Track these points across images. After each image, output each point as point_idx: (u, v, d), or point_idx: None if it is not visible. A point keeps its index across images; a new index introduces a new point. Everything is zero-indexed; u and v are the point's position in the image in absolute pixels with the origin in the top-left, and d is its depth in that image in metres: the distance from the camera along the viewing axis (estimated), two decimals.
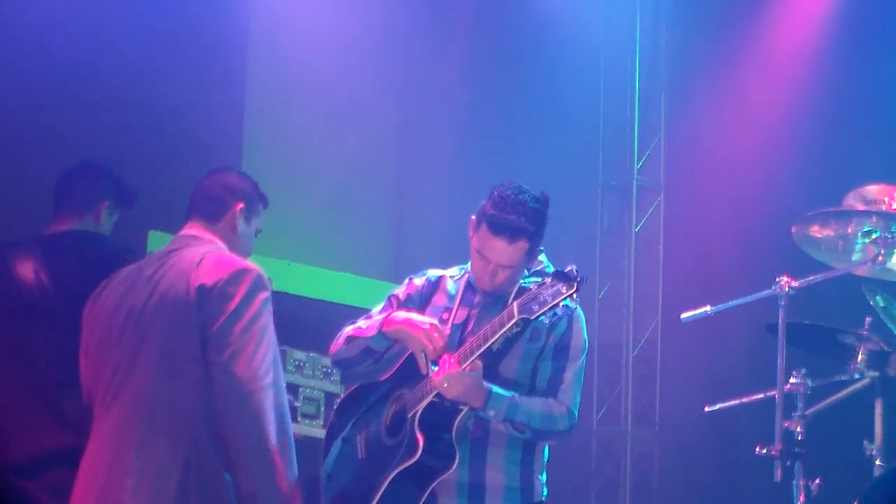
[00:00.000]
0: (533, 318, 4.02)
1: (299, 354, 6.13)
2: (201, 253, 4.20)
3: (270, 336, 4.17)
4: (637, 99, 9.15)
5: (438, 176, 8.82)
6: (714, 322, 5.64)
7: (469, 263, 4.44)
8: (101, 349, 4.23)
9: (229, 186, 4.49)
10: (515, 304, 4.06)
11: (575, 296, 4.00)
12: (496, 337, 4.08)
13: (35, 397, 4.79)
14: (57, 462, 4.70)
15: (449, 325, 4.31)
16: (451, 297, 4.39)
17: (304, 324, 7.16)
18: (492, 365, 4.19)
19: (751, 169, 8.44)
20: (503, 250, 4.24)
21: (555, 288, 4.00)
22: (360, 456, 4.29)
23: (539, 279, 4.22)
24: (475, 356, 4.09)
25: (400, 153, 9.01)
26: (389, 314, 4.33)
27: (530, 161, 9.08)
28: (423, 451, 4.09)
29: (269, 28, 7.99)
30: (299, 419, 6.06)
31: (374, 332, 4.34)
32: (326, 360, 5.97)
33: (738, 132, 8.63)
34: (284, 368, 6.03)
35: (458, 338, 4.29)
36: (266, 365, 4.05)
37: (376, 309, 4.52)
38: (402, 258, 8.62)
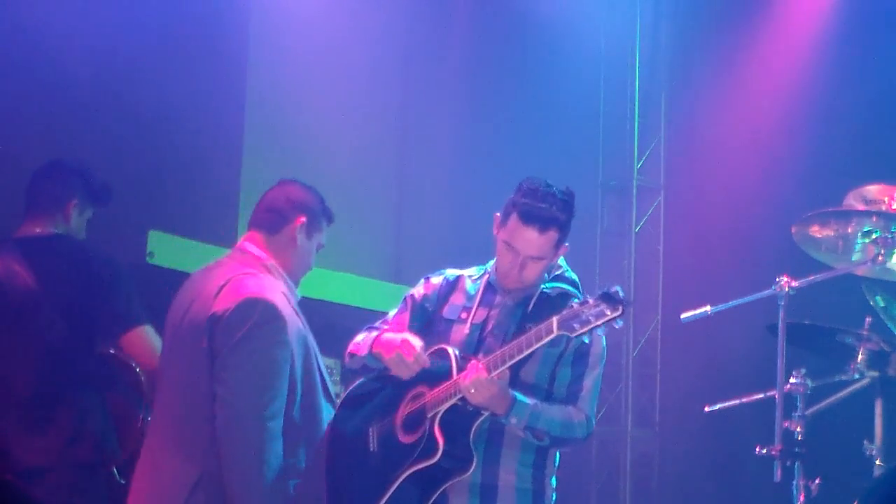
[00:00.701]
0: (573, 336, 4.03)
1: None
2: (227, 276, 4.22)
3: (278, 367, 4.16)
4: (637, 99, 9.15)
5: (438, 176, 8.82)
6: (714, 322, 5.64)
7: (490, 263, 4.45)
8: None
9: (293, 199, 4.54)
10: (555, 319, 4.04)
11: (619, 319, 4.00)
12: (531, 349, 4.08)
13: (21, 402, 4.77)
14: (39, 473, 4.69)
15: (468, 324, 4.32)
16: (471, 297, 4.39)
17: None
18: (511, 367, 4.19)
19: (751, 169, 8.44)
20: (535, 241, 4.28)
21: (599, 308, 3.99)
22: (371, 449, 4.28)
23: (562, 285, 4.36)
24: (506, 366, 4.09)
25: (400, 153, 9.01)
26: (378, 336, 4.36)
27: (530, 161, 9.08)
28: (442, 453, 4.10)
29: (269, 28, 7.99)
30: None
31: (365, 351, 4.39)
32: (327, 360, 5.95)
33: (738, 132, 8.63)
34: None
35: (476, 337, 4.30)
36: (266, 399, 4.02)
37: (392, 312, 4.54)
38: (403, 258, 8.62)
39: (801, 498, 5.15)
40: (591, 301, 4.03)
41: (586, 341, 4.29)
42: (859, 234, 5.43)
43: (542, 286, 4.39)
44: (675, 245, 8.97)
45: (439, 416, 4.14)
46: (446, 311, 4.38)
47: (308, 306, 7.64)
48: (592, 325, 3.99)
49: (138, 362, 4.95)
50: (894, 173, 5.68)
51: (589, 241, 9.09)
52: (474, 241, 8.24)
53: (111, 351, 5.06)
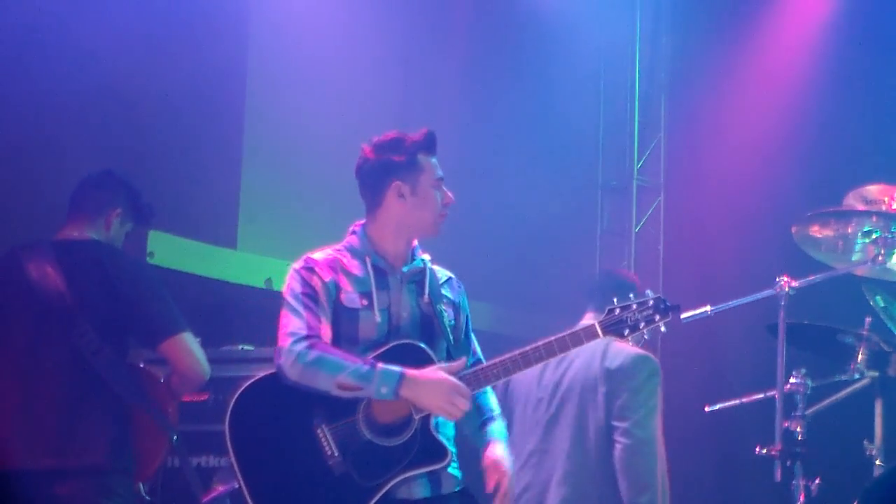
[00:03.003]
0: (621, 339, 4.25)
1: None
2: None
3: None
4: (637, 99, 9.16)
5: None
6: (714, 322, 5.64)
7: (345, 243, 4.36)
8: None
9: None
10: (598, 324, 4.16)
11: (664, 323, 4.15)
12: (563, 354, 4.21)
13: (46, 406, 4.76)
14: (63, 475, 4.68)
15: (375, 311, 4.21)
16: (362, 282, 4.25)
17: None
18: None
19: (751, 169, 8.44)
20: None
21: (647, 314, 4.14)
22: (328, 452, 4.08)
23: (437, 268, 4.36)
24: (507, 377, 4.20)
25: None
26: (404, 377, 4.06)
27: (531, 161, 9.09)
28: (450, 458, 4.13)
29: (269, 28, 7.99)
30: None
31: (374, 391, 4.07)
32: None
33: (738, 132, 8.63)
34: None
35: (389, 324, 4.21)
36: None
37: (299, 315, 4.20)
38: None
39: (801, 498, 5.15)
40: (634, 306, 4.15)
41: None
42: (859, 234, 5.43)
43: (426, 264, 4.37)
44: (675, 245, 8.97)
45: (432, 418, 4.11)
46: (345, 301, 4.22)
47: None
48: (643, 331, 4.15)
49: (180, 368, 4.91)
50: (894, 173, 5.68)
51: (589, 241, 9.09)
52: (474, 241, 8.26)
53: (141, 364, 5.05)
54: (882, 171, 5.92)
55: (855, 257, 5.52)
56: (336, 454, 4.09)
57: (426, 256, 4.42)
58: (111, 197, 5.08)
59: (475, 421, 4.37)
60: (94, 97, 6.68)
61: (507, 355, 4.17)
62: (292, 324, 4.18)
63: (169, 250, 6.90)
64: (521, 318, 8.40)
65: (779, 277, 5.25)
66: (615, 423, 5.28)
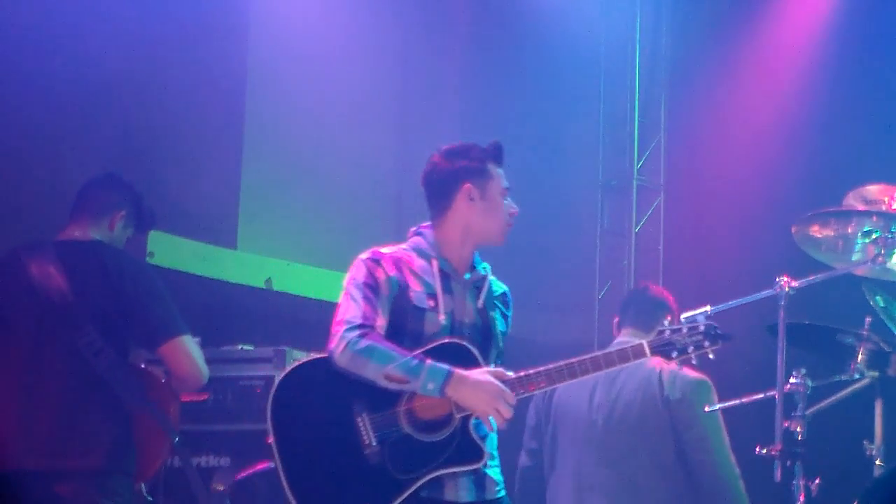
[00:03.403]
0: (668, 361, 4.31)
1: (299, 354, 6.12)
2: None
3: None
4: (637, 99, 9.15)
5: None
6: (714, 322, 5.63)
7: (408, 245, 4.43)
8: None
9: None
10: (646, 344, 4.24)
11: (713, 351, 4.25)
12: (608, 370, 4.26)
13: (47, 406, 4.76)
14: (64, 476, 4.68)
15: (441, 313, 4.27)
16: (429, 284, 4.31)
17: (304, 324, 7.16)
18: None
19: (751, 169, 8.44)
20: None
21: (695, 338, 4.26)
22: (365, 441, 4.12)
23: (496, 280, 4.41)
24: (551, 387, 4.25)
25: (400, 153, 9.00)
26: (451, 376, 4.10)
27: (531, 161, 9.08)
28: (485, 460, 4.15)
29: (269, 28, 7.99)
30: None
31: (420, 385, 4.11)
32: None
33: (738, 132, 8.63)
34: (284, 368, 6.03)
35: (449, 328, 4.27)
36: None
37: (356, 304, 4.24)
38: None
39: (801, 498, 5.15)
40: (685, 329, 4.26)
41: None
42: (859, 234, 5.42)
43: (488, 272, 4.45)
44: (675, 245, 8.96)
45: (472, 419, 4.14)
46: (414, 299, 4.28)
47: (308, 306, 7.66)
48: (691, 356, 4.27)
49: (178, 371, 4.91)
50: (894, 173, 5.68)
51: (589, 241, 9.09)
52: None
53: (142, 365, 5.05)
54: (882, 171, 5.91)
55: (855, 257, 5.51)
56: (373, 443, 4.13)
57: (487, 265, 4.49)
58: (116, 199, 5.08)
59: None
60: (94, 97, 6.69)
61: (552, 365, 4.21)
62: (349, 311, 4.24)
63: (169, 250, 6.90)
64: (521, 317, 8.40)
65: (779, 277, 5.24)
66: (698, 456, 5.49)
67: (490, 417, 4.12)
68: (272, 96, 7.99)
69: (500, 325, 4.42)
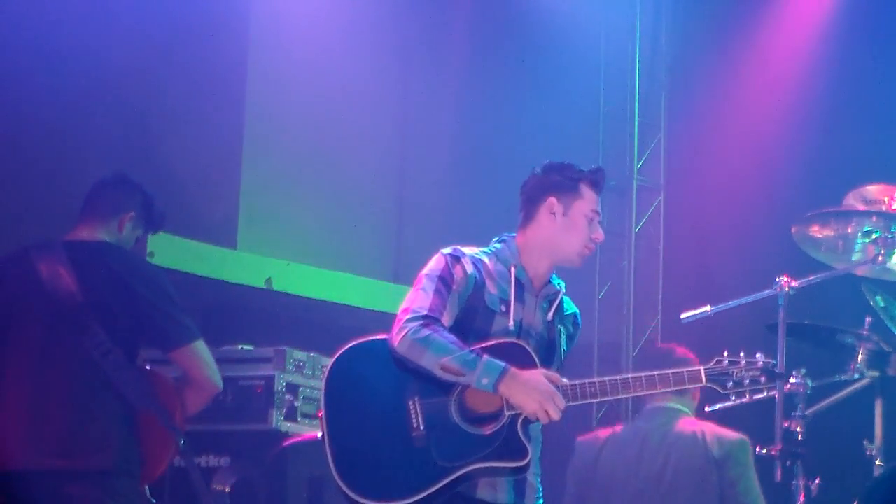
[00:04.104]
0: (722, 393, 4.30)
1: (299, 354, 6.13)
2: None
3: None
4: (637, 99, 9.15)
5: (439, 176, 8.82)
6: (714, 322, 5.64)
7: (493, 249, 4.44)
8: None
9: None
10: (703, 371, 4.28)
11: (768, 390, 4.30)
12: (662, 391, 4.31)
13: (55, 406, 4.76)
14: (70, 477, 4.68)
15: (511, 319, 4.31)
16: (504, 289, 4.35)
17: (304, 324, 7.17)
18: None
19: (751, 169, 8.44)
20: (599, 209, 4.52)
21: (752, 373, 4.26)
22: (414, 425, 4.15)
23: (568, 300, 4.46)
24: (604, 399, 4.27)
25: (400, 153, 9.01)
26: (506, 373, 4.12)
27: (530, 161, 9.06)
28: (529, 459, 4.15)
29: (269, 28, 7.99)
30: (299, 419, 6.06)
31: (475, 379, 4.13)
32: (326, 360, 5.95)
33: (738, 132, 8.63)
34: (284, 368, 6.04)
35: (516, 335, 4.30)
36: None
37: (428, 294, 4.26)
38: (403, 258, 8.62)
39: (801, 498, 5.16)
40: (742, 363, 4.27)
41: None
42: (859, 234, 5.43)
43: (562, 288, 4.49)
44: (675, 245, 8.96)
45: (521, 418, 4.15)
46: (488, 300, 4.32)
47: (308, 306, 7.67)
48: (745, 391, 4.26)
49: (194, 377, 4.91)
50: (894, 173, 5.68)
51: None
52: (475, 241, 8.25)
53: (147, 367, 5.04)
54: (882, 171, 5.92)
55: (855, 257, 5.52)
56: (421, 428, 4.15)
57: (562, 283, 4.52)
58: (126, 200, 5.07)
59: None
60: (94, 97, 6.69)
61: (607, 378, 4.22)
62: (417, 301, 4.27)
63: (169, 250, 6.90)
64: None
65: (779, 277, 5.25)
66: None
67: (539, 416, 4.14)
68: (272, 96, 7.99)
69: (564, 343, 4.45)
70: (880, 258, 5.35)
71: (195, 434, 5.08)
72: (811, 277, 5.31)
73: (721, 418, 6.15)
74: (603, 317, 8.99)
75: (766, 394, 4.30)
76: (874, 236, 5.37)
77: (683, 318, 5.53)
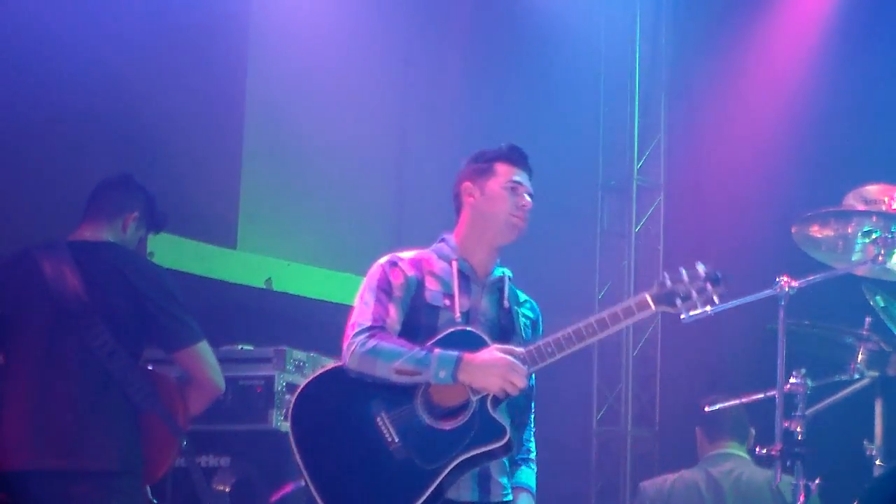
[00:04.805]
0: (675, 311, 4.29)
1: (299, 354, 6.13)
2: None
3: None
4: (637, 99, 9.16)
5: (438, 176, 8.79)
6: (714, 322, 5.63)
7: (435, 247, 4.45)
8: None
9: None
10: (648, 295, 4.28)
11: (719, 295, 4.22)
12: (615, 328, 4.23)
13: (59, 406, 4.76)
14: (74, 477, 4.68)
15: (457, 311, 4.30)
16: (447, 283, 4.35)
17: (304, 324, 7.16)
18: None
19: (751, 169, 8.44)
20: (527, 180, 4.54)
21: (697, 284, 4.28)
22: (389, 439, 4.14)
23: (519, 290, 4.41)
24: (562, 354, 4.22)
25: (400, 153, 9.00)
26: (461, 360, 4.11)
27: (530, 161, 9.07)
28: (509, 435, 4.14)
29: (269, 28, 7.99)
30: None
31: (432, 375, 4.12)
32: (326, 360, 5.96)
33: (738, 132, 8.63)
34: (284, 368, 6.04)
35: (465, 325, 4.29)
36: None
37: (367, 307, 4.29)
38: None
39: (801, 498, 5.15)
40: (685, 278, 4.28)
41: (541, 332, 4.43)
42: (859, 234, 5.42)
43: (506, 274, 4.47)
44: (675, 245, 8.96)
45: (490, 398, 4.14)
46: (429, 298, 4.32)
47: (308, 306, 7.66)
48: (695, 302, 4.25)
49: (197, 378, 4.91)
50: (894, 173, 5.68)
51: (589, 241, 9.09)
52: None
53: (149, 367, 5.04)
54: (882, 171, 5.91)
55: (855, 257, 5.51)
56: (396, 440, 4.15)
57: (508, 271, 4.51)
58: (130, 200, 5.08)
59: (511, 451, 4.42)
60: (93, 97, 6.68)
61: (560, 333, 4.22)
62: (359, 315, 4.29)
63: (169, 250, 6.90)
64: None
65: (779, 277, 5.25)
66: None
67: (505, 391, 4.13)
68: (272, 95, 7.98)
69: (524, 331, 4.43)
70: (880, 258, 5.35)
71: (195, 434, 5.08)
72: (811, 277, 5.30)
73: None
74: None
75: (718, 301, 4.20)
76: (874, 236, 5.37)
77: (683, 318, 5.52)
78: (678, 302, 4.22)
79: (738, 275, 7.63)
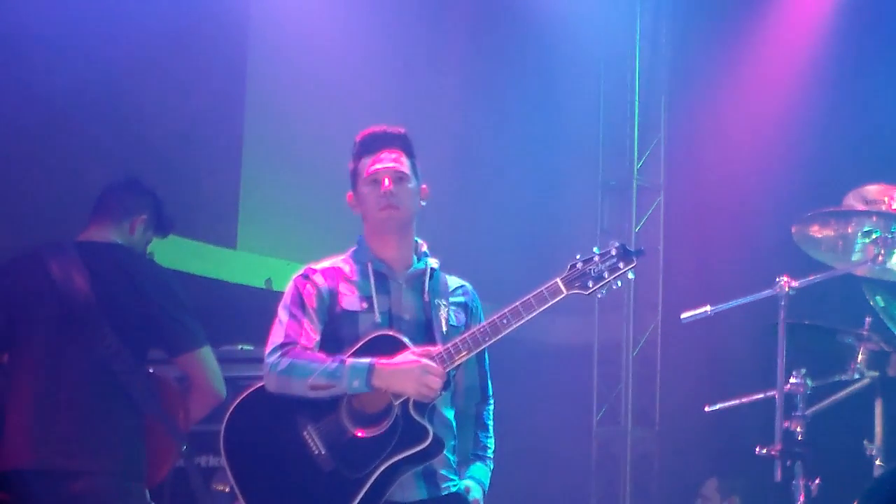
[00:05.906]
0: (588, 293, 4.19)
1: None
2: None
3: None
4: (637, 99, 9.16)
5: (438, 176, 8.80)
6: (714, 322, 5.64)
7: (351, 252, 4.45)
8: None
9: None
10: (560, 280, 4.18)
11: (631, 271, 4.17)
12: (529, 317, 4.15)
13: (64, 407, 4.76)
14: (77, 477, 4.68)
15: (376, 312, 4.27)
16: (363, 286, 4.33)
17: None
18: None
19: (751, 169, 8.45)
20: (387, 158, 4.41)
21: (609, 262, 4.16)
22: (316, 452, 4.14)
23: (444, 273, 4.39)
24: (479, 349, 4.17)
25: None
26: (373, 369, 4.11)
27: (531, 161, 9.09)
28: (433, 436, 4.12)
29: (269, 28, 7.99)
30: None
31: (346, 386, 4.12)
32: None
33: (738, 132, 8.64)
34: None
35: (388, 325, 4.26)
36: None
37: (282, 325, 4.27)
38: None
39: (801, 498, 5.15)
40: (596, 257, 4.18)
41: (480, 317, 4.40)
42: (859, 234, 5.43)
43: (428, 264, 4.42)
44: (675, 245, 8.97)
45: (412, 402, 4.13)
46: (346, 304, 4.29)
47: None
48: (609, 280, 4.16)
49: (198, 384, 4.91)
50: (894, 173, 5.68)
51: (589, 241, 9.06)
52: (475, 242, 8.26)
53: (150, 370, 5.04)
54: (882, 171, 5.92)
55: (855, 257, 5.52)
56: (323, 452, 4.15)
57: (433, 261, 4.45)
58: (138, 203, 5.08)
59: (468, 444, 4.43)
60: (93, 97, 6.69)
61: (476, 328, 4.19)
62: (274, 335, 4.28)
63: (169, 250, 6.89)
64: None
65: (779, 277, 5.25)
66: None
67: (422, 394, 4.11)
68: (272, 96, 7.99)
69: (452, 319, 4.38)
70: (880, 258, 5.35)
71: (195, 434, 5.08)
72: (811, 277, 5.31)
73: (721, 418, 6.15)
74: (603, 317, 9.00)
75: (630, 275, 4.18)
76: (874, 236, 5.37)
77: (683, 318, 5.53)
78: (590, 283, 4.17)
79: (738, 275, 7.68)
